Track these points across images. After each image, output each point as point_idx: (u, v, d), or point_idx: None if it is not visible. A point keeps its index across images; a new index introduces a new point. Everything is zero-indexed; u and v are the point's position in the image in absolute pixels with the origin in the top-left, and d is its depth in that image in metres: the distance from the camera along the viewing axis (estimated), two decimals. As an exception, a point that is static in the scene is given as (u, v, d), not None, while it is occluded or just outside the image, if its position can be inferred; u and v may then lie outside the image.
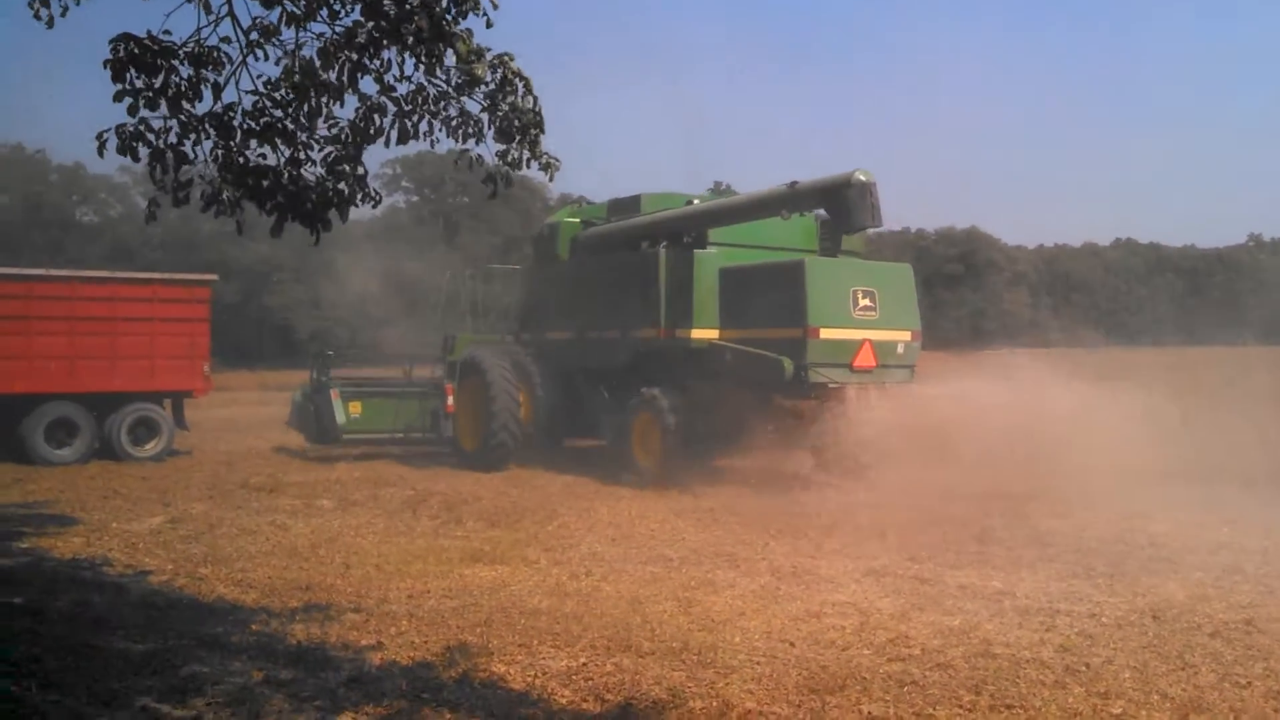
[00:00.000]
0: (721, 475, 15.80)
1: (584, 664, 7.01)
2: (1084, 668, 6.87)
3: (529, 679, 6.71)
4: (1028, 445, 13.86)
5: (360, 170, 6.42)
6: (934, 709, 6.11)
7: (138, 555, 10.80)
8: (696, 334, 15.64)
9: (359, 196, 6.47)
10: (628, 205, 17.77)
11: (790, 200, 14.62)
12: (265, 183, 6.34)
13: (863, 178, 13.38)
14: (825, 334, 14.42)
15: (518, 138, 6.29)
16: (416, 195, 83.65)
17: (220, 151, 6.27)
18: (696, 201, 16.84)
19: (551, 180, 6.80)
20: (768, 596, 8.85)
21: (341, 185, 6.38)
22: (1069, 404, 14.59)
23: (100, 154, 5.91)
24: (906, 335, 15.13)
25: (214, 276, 20.20)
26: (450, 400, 18.88)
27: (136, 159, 5.96)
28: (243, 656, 7.16)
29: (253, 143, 6.29)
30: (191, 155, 6.19)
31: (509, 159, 6.46)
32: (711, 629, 7.86)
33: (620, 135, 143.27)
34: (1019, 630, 7.79)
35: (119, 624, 7.96)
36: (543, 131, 6.33)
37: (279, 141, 6.31)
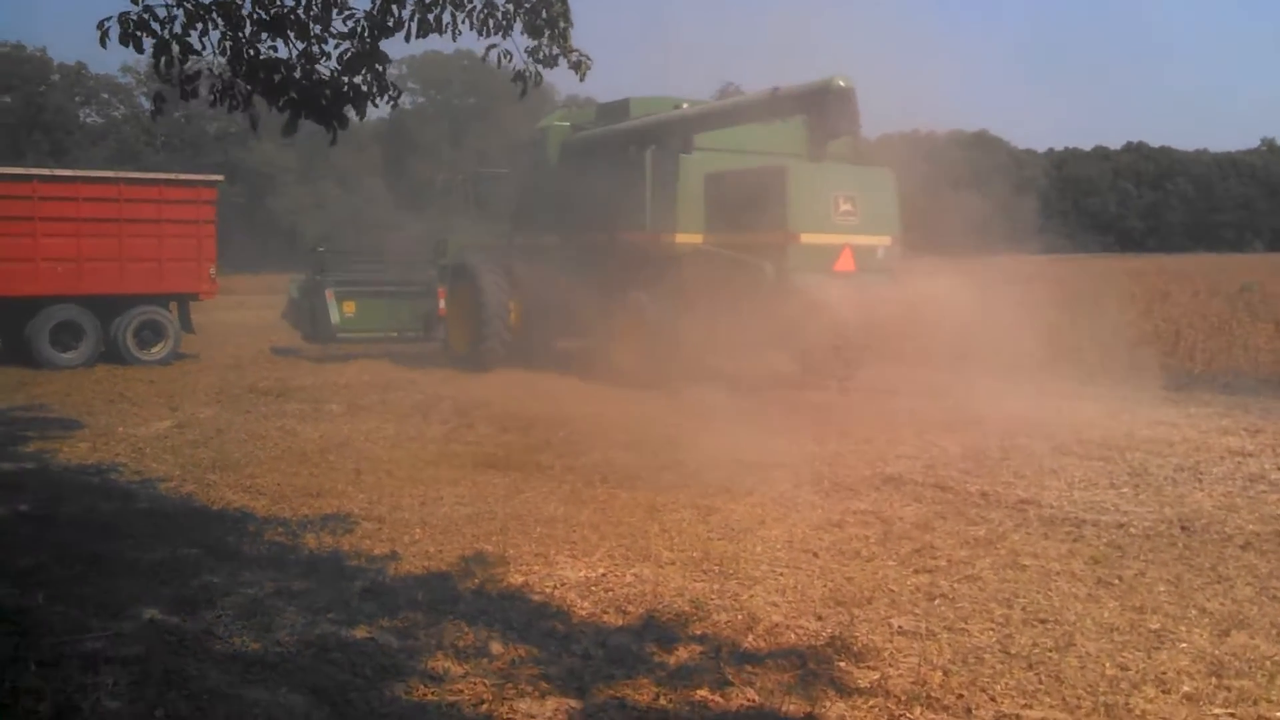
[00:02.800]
0: (710, 378, 15.55)
1: (603, 574, 6.74)
2: (1116, 580, 6.60)
3: (547, 590, 6.45)
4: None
5: (379, 65, 5.96)
6: (965, 623, 5.85)
7: (145, 461, 10.53)
8: (681, 238, 15.29)
9: (378, 93, 6.01)
10: (616, 110, 17.23)
11: (772, 105, 14.16)
12: (277, 78, 5.89)
13: (842, 84, 12.86)
14: (806, 239, 14.08)
15: (547, 32, 5.82)
16: (423, 96, 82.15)
17: (229, 44, 5.81)
18: (684, 106, 16.29)
19: (582, 80, 6.32)
20: (787, 504, 8.57)
21: (358, 79, 5.93)
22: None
23: (103, 44, 5.46)
24: (886, 240, 14.78)
25: (219, 177, 19.71)
26: (442, 303, 18.55)
27: (140, 50, 5.48)
28: (254, 566, 6.90)
29: (264, 35, 5.82)
30: (199, 46, 5.73)
31: (540, 56, 6.02)
32: (732, 538, 7.59)
33: (633, 35, 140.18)
34: (1045, 541, 7.53)
35: (127, 532, 7.70)
36: (570, 25, 5.86)
37: (291, 35, 5.85)
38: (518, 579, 6.67)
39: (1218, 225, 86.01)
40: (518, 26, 5.82)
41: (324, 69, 5.98)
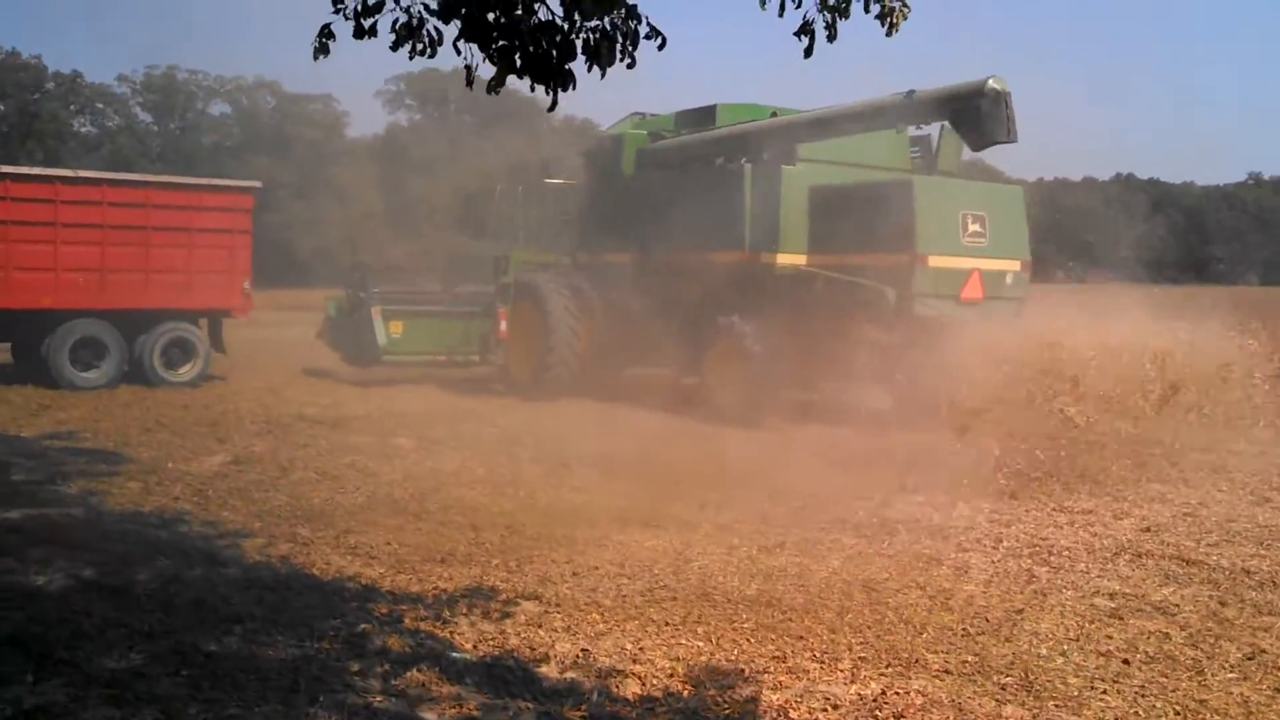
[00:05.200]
0: (802, 414, 14.00)
1: (880, 692, 5.09)
2: None
3: (824, 718, 4.80)
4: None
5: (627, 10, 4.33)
6: None
7: (211, 506, 8.82)
8: (783, 258, 13.66)
9: (622, 42, 4.37)
10: (700, 116, 15.64)
11: (907, 111, 12.52)
12: (493, 16, 4.24)
13: (997, 86, 11.33)
14: (934, 261, 12.51)
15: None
16: (420, 114, 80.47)
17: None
18: (774, 114, 14.73)
19: (890, 34, 4.68)
20: (1024, 583, 6.94)
21: (602, 24, 4.30)
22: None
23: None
24: (1016, 265, 13.23)
25: (258, 184, 17.91)
26: (503, 325, 16.86)
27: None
28: (414, 669, 5.21)
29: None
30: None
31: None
32: (994, 632, 5.95)
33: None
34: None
35: (230, 613, 5.98)
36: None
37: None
38: (774, 698, 5.01)
39: (1210, 258, 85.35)
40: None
41: (553, 7, 4.37)
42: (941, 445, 11.77)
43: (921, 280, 12.31)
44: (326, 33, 4.30)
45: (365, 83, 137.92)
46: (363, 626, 5.83)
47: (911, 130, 14.28)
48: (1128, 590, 6.79)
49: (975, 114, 11.17)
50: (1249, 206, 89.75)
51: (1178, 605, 6.50)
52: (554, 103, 4.55)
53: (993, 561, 7.42)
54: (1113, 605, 6.47)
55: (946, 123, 12.72)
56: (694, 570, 7.13)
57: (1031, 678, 5.30)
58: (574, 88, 4.53)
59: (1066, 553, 7.64)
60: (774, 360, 13.23)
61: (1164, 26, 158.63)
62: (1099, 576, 7.11)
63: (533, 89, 4.53)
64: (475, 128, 78.83)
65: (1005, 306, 12.99)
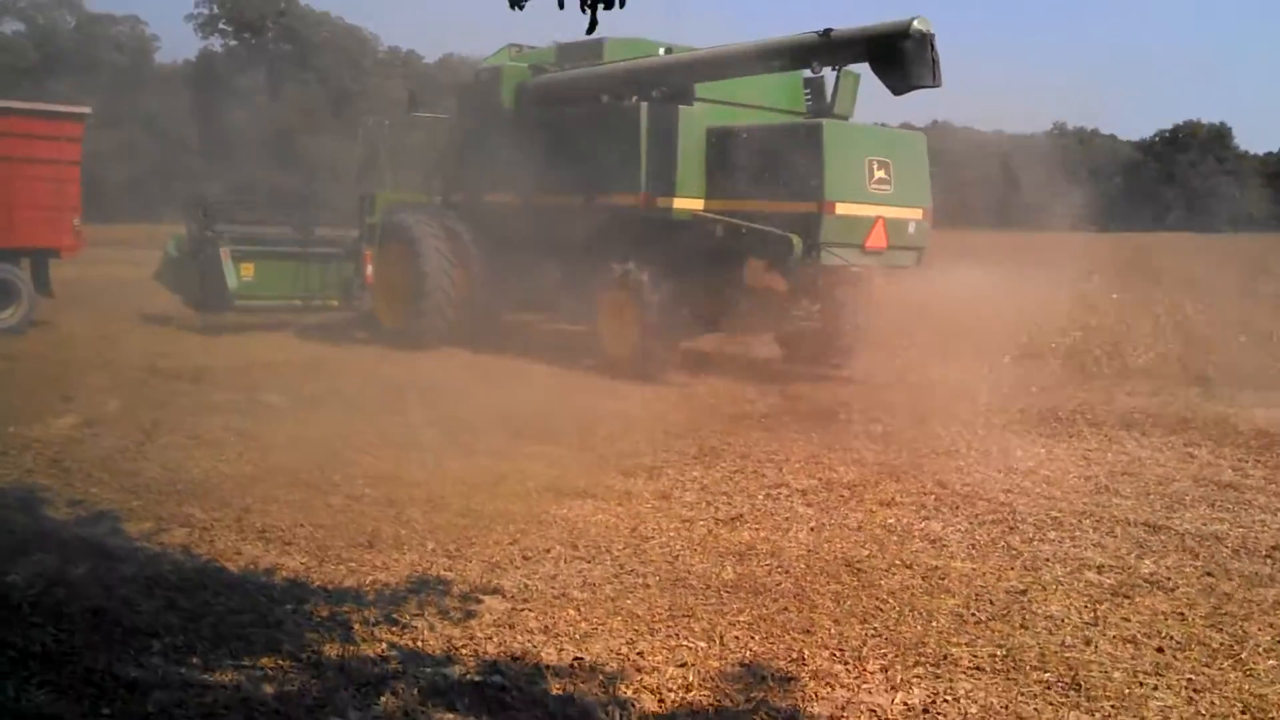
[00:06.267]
0: (699, 363, 13.48)
1: (930, 700, 4.50)
2: None
3: (883, 737, 4.19)
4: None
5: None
6: None
7: (74, 480, 7.60)
8: (679, 203, 12.90)
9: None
10: (586, 51, 14.62)
11: (821, 51, 11.82)
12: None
13: (922, 28, 10.76)
14: (841, 209, 11.98)
15: None
16: (236, 40, 75.86)
17: None
18: (662, 51, 13.91)
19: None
20: (1001, 552, 6.49)
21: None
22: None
23: None
24: (918, 214, 12.84)
25: (87, 109, 16.01)
26: (369, 269, 15.65)
27: None
28: (388, 693, 4.35)
29: None
30: None
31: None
32: (1005, 618, 5.46)
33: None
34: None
35: (141, 625, 4.95)
36: None
37: None
38: (814, 710, 4.36)
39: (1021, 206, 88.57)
40: None
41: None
42: (852, 397, 11.38)
43: (829, 229, 11.77)
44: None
45: (175, 5, 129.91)
46: (308, 636, 4.91)
47: (805, 73, 13.68)
48: (1112, 563, 6.40)
49: (899, 55, 10.59)
50: (1052, 156, 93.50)
51: (1169, 579, 6.14)
52: (593, 23, 3.68)
53: (961, 532, 6.95)
54: (1109, 582, 6.07)
55: (847, 66, 12.11)
56: (656, 551, 6.41)
57: (1072, 673, 4.81)
58: (622, 3, 3.69)
59: (1030, 520, 7.23)
60: (670, 310, 12.52)
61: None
62: (1074, 546, 6.71)
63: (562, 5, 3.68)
64: (295, 57, 74.90)
65: (906, 256, 12.61)
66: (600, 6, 3.62)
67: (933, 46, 10.51)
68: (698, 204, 12.78)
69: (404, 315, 14.70)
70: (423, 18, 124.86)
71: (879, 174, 12.12)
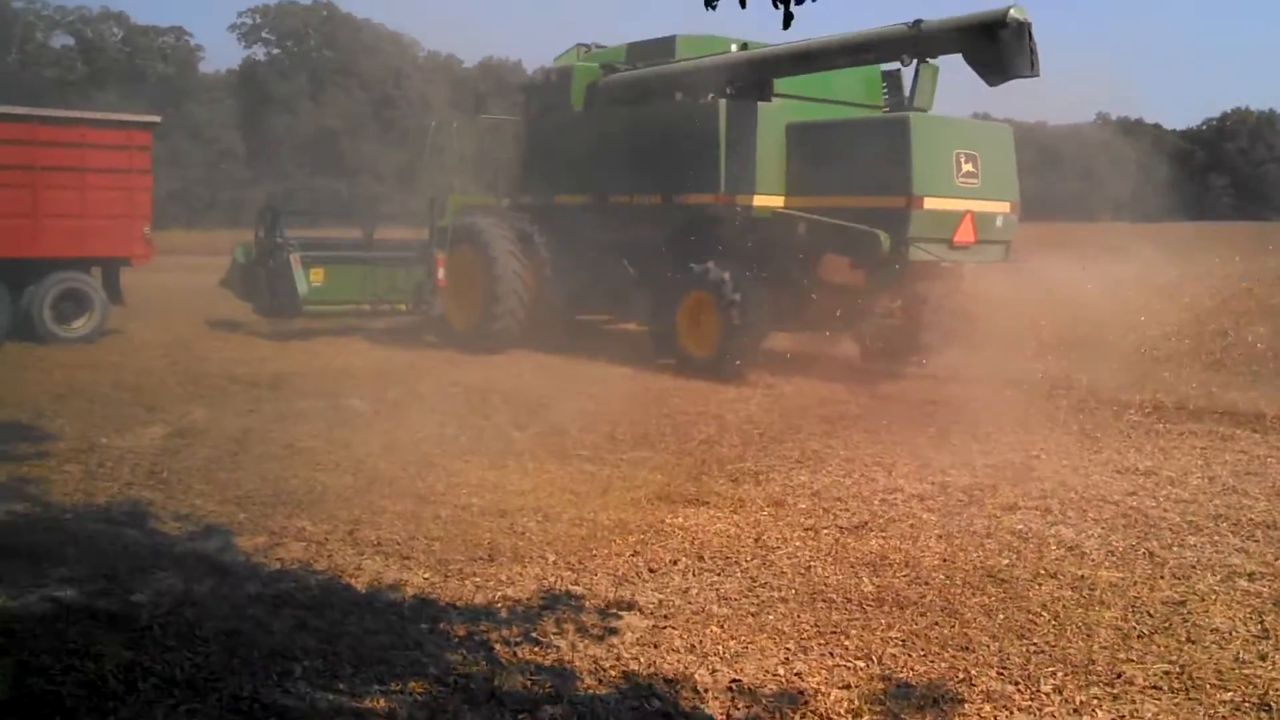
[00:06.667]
0: (779, 362, 13.20)
1: (1125, 717, 4.24)
2: None
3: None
4: None
5: None
6: None
7: (175, 492, 7.45)
8: (760, 200, 12.65)
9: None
10: (659, 48, 14.42)
11: (910, 43, 11.53)
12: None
13: (1019, 16, 10.45)
14: (930, 204, 11.68)
15: None
16: (278, 48, 76.31)
17: None
18: (733, 48, 13.66)
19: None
20: (1143, 557, 6.18)
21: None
22: None
23: None
24: (1006, 207, 12.52)
25: (157, 119, 15.99)
26: (441, 272, 15.48)
27: None
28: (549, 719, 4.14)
29: None
30: None
31: None
32: (1170, 628, 5.17)
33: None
34: None
35: (278, 648, 4.76)
36: None
37: None
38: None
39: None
40: None
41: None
42: (947, 396, 11.09)
43: (917, 224, 11.48)
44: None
45: (218, 16, 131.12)
46: (450, 658, 4.70)
47: (881, 67, 13.42)
48: (1263, 570, 6.08)
49: (996, 46, 10.28)
50: (1096, 146, 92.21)
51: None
52: (788, 18, 3.44)
53: (1095, 538, 6.65)
54: (1266, 591, 5.75)
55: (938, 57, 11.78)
56: (785, 562, 6.17)
57: (1259, 692, 4.52)
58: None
59: (1165, 525, 6.92)
60: (752, 309, 12.27)
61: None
62: (1217, 552, 6.40)
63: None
64: (337, 64, 75.23)
65: (994, 250, 12.29)
66: (793, 1, 3.38)
67: (1030, 35, 10.19)
68: (778, 201, 12.54)
69: (477, 318, 14.55)
70: (461, 21, 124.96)
71: (966, 167, 11.82)
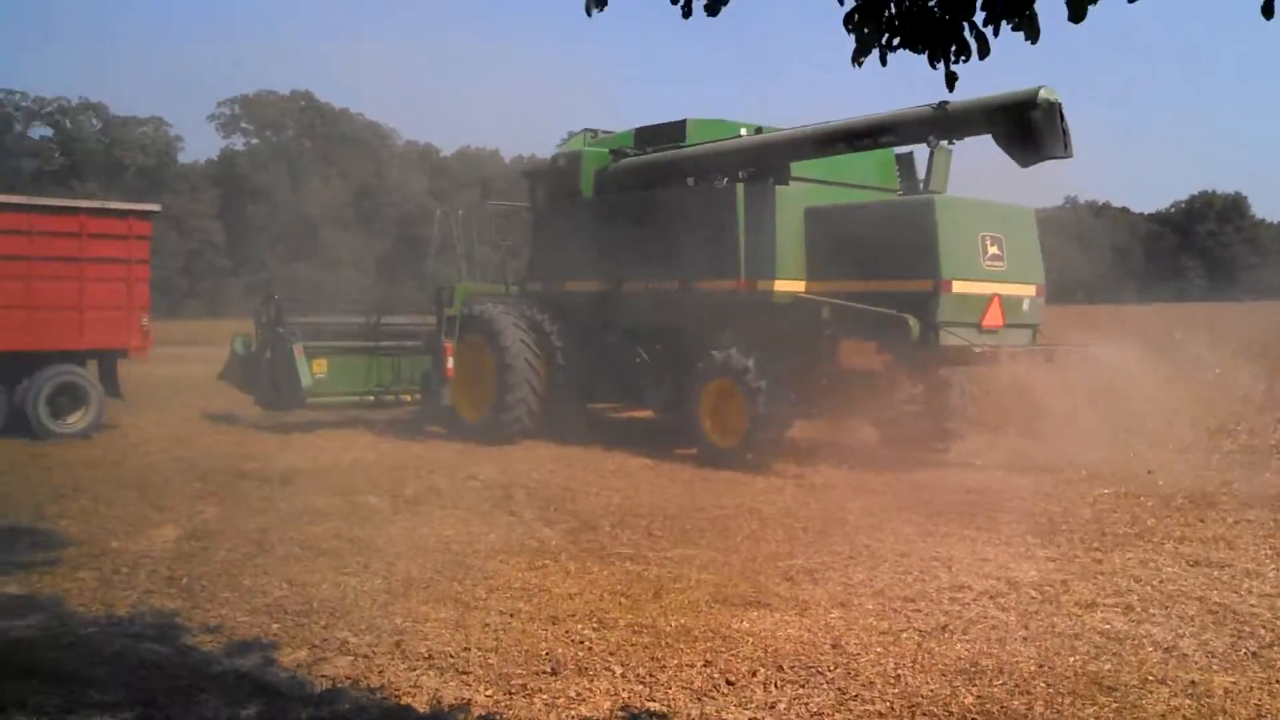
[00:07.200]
0: (798, 451, 12.84)
1: None
2: None
3: None
4: None
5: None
6: None
7: (199, 601, 6.97)
8: (780, 286, 12.41)
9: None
10: (669, 132, 14.26)
11: (935, 125, 11.38)
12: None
13: (1049, 97, 10.33)
14: (959, 287, 11.48)
15: None
16: (257, 138, 76.60)
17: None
18: (743, 132, 13.55)
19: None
20: (1244, 657, 5.79)
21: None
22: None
23: None
24: (1032, 290, 12.34)
25: (156, 207, 15.64)
26: (450, 362, 15.09)
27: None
28: None
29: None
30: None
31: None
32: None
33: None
34: None
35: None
36: None
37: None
38: None
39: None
40: None
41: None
42: (984, 485, 10.74)
43: (946, 308, 11.25)
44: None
45: (197, 106, 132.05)
46: (540, 793, 4.24)
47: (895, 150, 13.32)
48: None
49: (1028, 127, 10.12)
50: (1070, 229, 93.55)
51: None
52: (952, 79, 3.15)
53: (1190, 638, 6.26)
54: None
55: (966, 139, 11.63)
56: (870, 670, 5.74)
57: None
58: (968, 58, 3.16)
59: (1259, 622, 6.55)
60: (777, 397, 11.94)
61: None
62: None
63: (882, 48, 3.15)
64: (316, 153, 75.51)
65: (1022, 334, 12.06)
66: (955, 59, 3.09)
67: (1062, 115, 10.05)
68: (799, 286, 12.30)
69: (487, 409, 14.14)
70: (441, 110, 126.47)
71: (992, 250, 11.64)
